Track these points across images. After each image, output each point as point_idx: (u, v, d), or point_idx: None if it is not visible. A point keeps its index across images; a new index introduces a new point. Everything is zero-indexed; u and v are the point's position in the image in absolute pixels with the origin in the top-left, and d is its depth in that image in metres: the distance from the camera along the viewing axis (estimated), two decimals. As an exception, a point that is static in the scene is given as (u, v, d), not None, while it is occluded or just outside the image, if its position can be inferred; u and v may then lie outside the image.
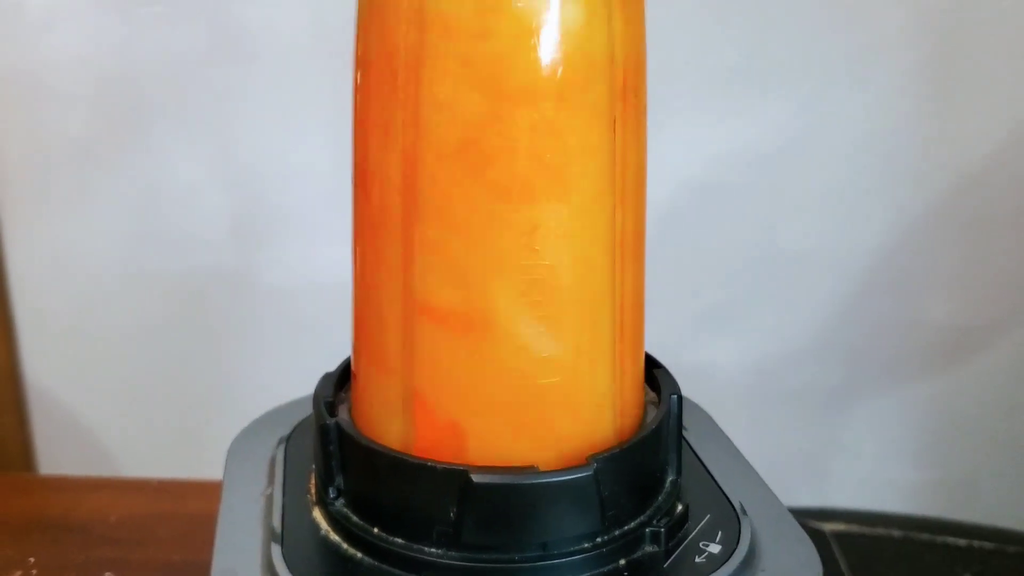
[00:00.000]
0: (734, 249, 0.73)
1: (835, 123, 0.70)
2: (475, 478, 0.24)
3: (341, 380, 0.30)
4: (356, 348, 0.28)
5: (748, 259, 0.73)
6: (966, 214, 0.72)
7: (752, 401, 0.77)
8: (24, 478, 0.68)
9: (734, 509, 0.28)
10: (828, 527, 0.72)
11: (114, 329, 0.74)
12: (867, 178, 0.71)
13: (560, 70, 0.23)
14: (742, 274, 0.74)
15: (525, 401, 0.25)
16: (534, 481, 0.25)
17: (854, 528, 0.73)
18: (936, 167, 0.70)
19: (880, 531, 0.71)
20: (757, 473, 0.31)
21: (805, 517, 0.75)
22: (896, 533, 0.71)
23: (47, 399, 0.76)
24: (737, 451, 0.32)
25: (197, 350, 0.75)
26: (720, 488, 0.29)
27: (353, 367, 0.29)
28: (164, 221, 0.72)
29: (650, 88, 0.68)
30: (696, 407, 0.35)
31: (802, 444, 0.78)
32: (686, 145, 0.70)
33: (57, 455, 0.76)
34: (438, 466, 0.25)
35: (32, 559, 0.43)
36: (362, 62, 0.25)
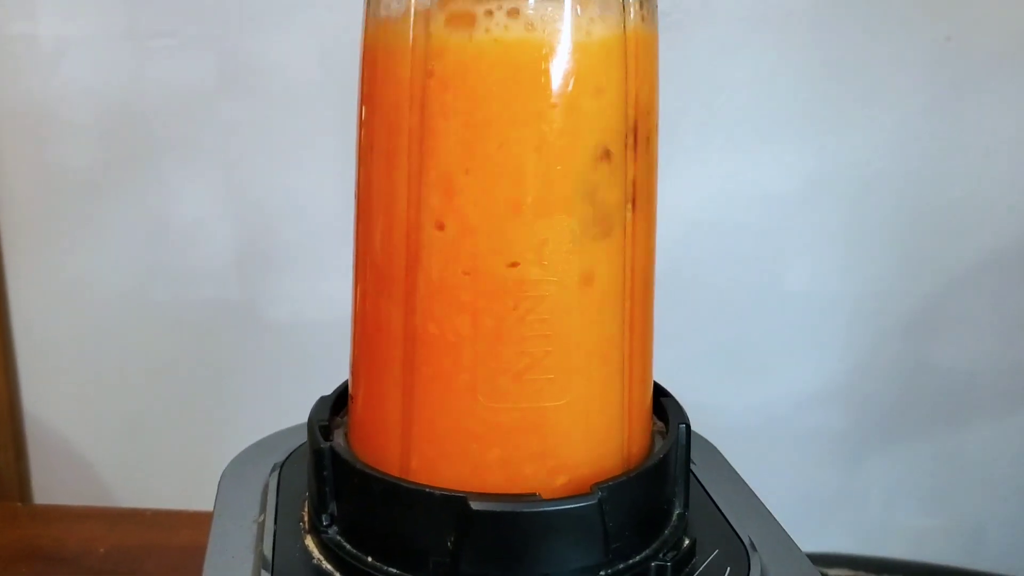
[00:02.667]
0: (742, 290, 0.73)
1: (843, 164, 0.69)
2: (474, 505, 0.23)
3: (337, 404, 0.29)
4: (354, 370, 0.27)
5: (755, 300, 0.73)
6: (974, 257, 0.71)
7: (758, 443, 0.75)
8: (16, 508, 0.67)
9: (743, 544, 0.27)
10: (834, 572, 0.71)
11: (116, 362, 0.74)
12: (875, 220, 0.71)
13: (572, 84, 0.23)
14: (749, 315, 0.73)
15: (529, 425, 0.24)
16: (536, 510, 0.24)
17: (860, 574, 0.72)
18: (944, 210, 0.70)
19: (885, 578, 0.70)
20: (767, 508, 0.30)
21: (810, 562, 0.74)
22: (902, 580, 0.70)
23: (46, 431, 0.75)
24: (746, 485, 0.31)
25: (199, 383, 0.74)
26: (728, 522, 0.28)
27: (351, 390, 0.28)
28: (169, 254, 0.72)
29: (660, 128, 0.68)
30: (703, 440, 0.34)
31: (808, 488, 0.77)
32: (695, 184, 0.70)
33: (54, 487, 0.76)
34: (435, 492, 0.24)
35: (21, 589, 0.42)
36: (367, 88, 0.25)
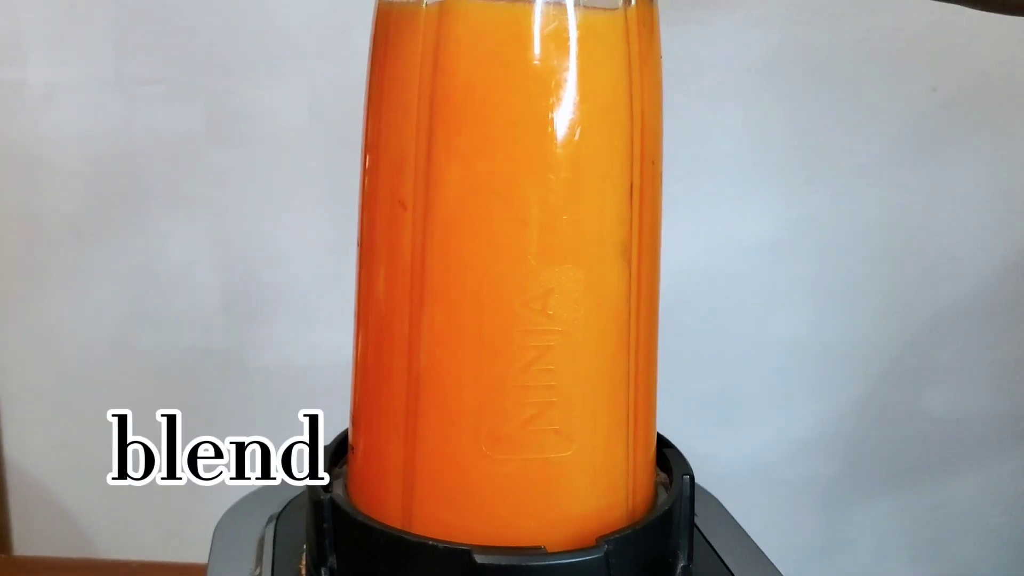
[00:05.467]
0: (729, 338, 0.73)
1: (830, 213, 0.70)
2: (479, 558, 0.23)
3: (336, 454, 0.29)
4: (355, 419, 0.27)
5: (743, 348, 0.73)
6: (961, 305, 0.72)
7: (748, 492, 0.75)
8: (-1, 559, 0.66)
9: (748, 597, 0.27)
10: (827, 624, 0.70)
11: (100, 409, 0.73)
12: (862, 268, 0.71)
13: (579, 133, 0.23)
14: (737, 364, 0.73)
15: (534, 476, 0.24)
16: (542, 563, 0.23)
17: (853, 625, 0.71)
18: (930, 258, 0.71)
19: (878, 629, 0.69)
20: (770, 560, 0.30)
21: (810, 614, 0.73)
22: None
23: (27, 480, 0.74)
24: (748, 537, 0.31)
25: (184, 431, 0.73)
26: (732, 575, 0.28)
27: (351, 439, 0.27)
28: (155, 300, 0.71)
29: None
30: (705, 492, 0.34)
31: (799, 537, 0.77)
32: (682, 232, 0.70)
33: (35, 538, 0.74)
34: (439, 545, 0.24)
35: (1, 646, 0.41)
36: (372, 138, 0.25)
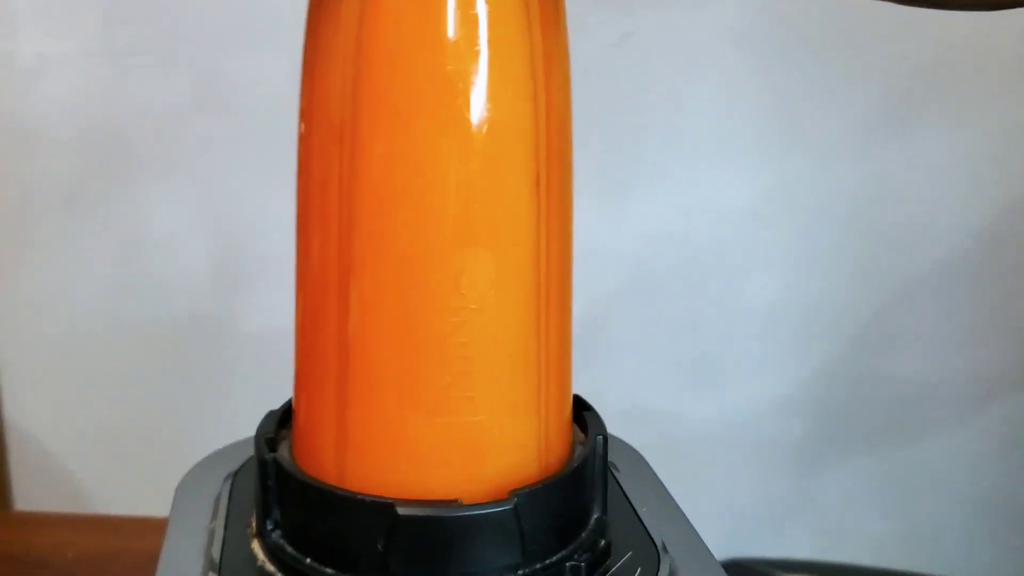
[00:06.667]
0: (702, 302, 0.75)
1: (800, 181, 0.72)
2: (401, 511, 0.26)
3: (284, 418, 0.31)
4: (296, 384, 0.30)
5: (716, 312, 0.75)
6: (927, 271, 0.73)
7: (718, 451, 0.78)
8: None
9: (656, 547, 0.30)
10: (793, 578, 0.73)
11: (93, 373, 0.75)
12: (830, 235, 0.73)
13: (485, 130, 0.25)
14: (710, 327, 0.75)
15: (452, 437, 0.27)
16: (457, 514, 0.26)
17: (819, 579, 0.73)
18: (898, 225, 0.72)
19: (844, 582, 0.72)
20: (684, 514, 0.32)
21: (770, 567, 0.76)
22: (861, 584, 0.71)
23: (25, 439, 0.76)
24: (666, 492, 0.33)
25: (172, 394, 0.76)
26: (644, 527, 0.31)
27: (294, 404, 0.30)
28: (144, 267, 0.73)
29: (624, 145, 0.70)
30: (630, 449, 0.36)
31: (767, 494, 0.79)
32: (657, 199, 0.72)
33: (34, 493, 0.77)
34: (366, 499, 0.26)
35: (-8, 591, 0.44)
36: (305, 121, 0.27)
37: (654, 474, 0.34)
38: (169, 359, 0.75)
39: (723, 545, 0.80)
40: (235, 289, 0.74)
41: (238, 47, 0.69)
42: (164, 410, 0.76)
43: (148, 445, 0.76)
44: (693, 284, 0.74)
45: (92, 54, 0.69)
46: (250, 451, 0.35)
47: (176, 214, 0.72)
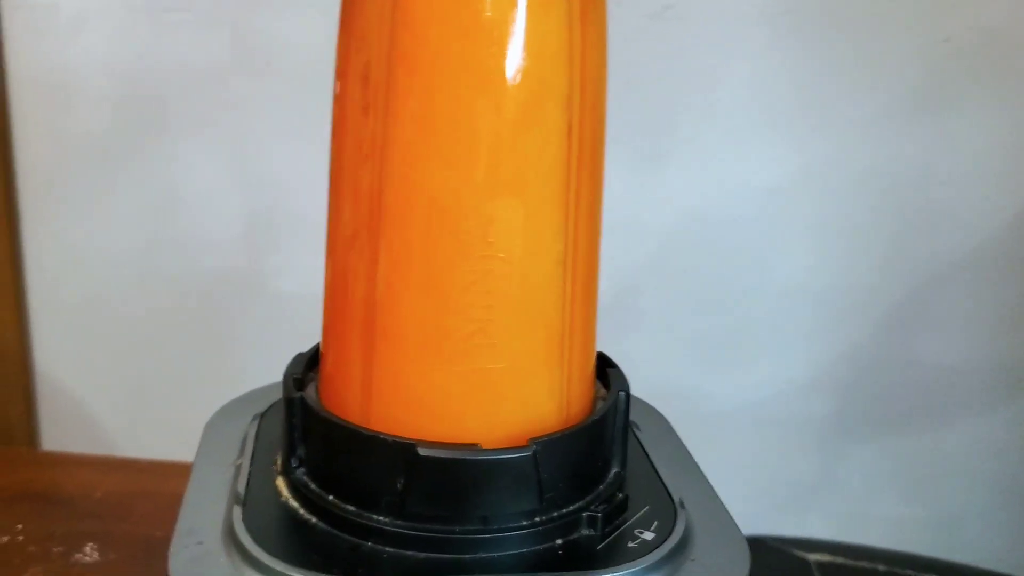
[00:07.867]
0: (732, 280, 0.74)
1: (835, 160, 0.71)
2: (421, 451, 0.26)
3: (312, 360, 0.32)
4: (325, 328, 0.30)
5: (745, 290, 0.75)
6: (959, 254, 0.73)
7: (742, 429, 0.78)
8: (19, 452, 0.70)
9: (673, 503, 0.30)
10: (812, 557, 0.73)
11: (124, 323, 0.77)
12: (864, 215, 0.72)
13: (519, 79, 0.25)
14: (739, 305, 0.75)
15: (473, 384, 0.27)
16: (475, 457, 0.26)
17: (839, 559, 0.73)
18: (932, 207, 0.72)
19: (865, 564, 0.72)
20: (703, 474, 0.32)
21: (789, 546, 0.76)
22: (881, 567, 0.71)
23: (54, 385, 0.78)
24: (688, 453, 0.34)
25: (203, 347, 0.77)
26: (663, 483, 0.31)
27: (322, 347, 0.30)
28: (179, 223, 0.74)
29: (655, 121, 0.69)
30: (654, 411, 0.37)
31: (790, 474, 0.79)
32: (691, 176, 0.72)
33: (61, 437, 0.79)
34: (388, 439, 0.27)
35: (20, 526, 0.45)
36: (340, 76, 0.27)
37: (676, 435, 0.35)
38: (198, 313, 0.76)
39: (741, 522, 0.80)
40: (266, 247, 0.74)
41: (277, 5, 0.70)
42: (191, 363, 0.77)
43: (173, 396, 0.77)
44: (721, 260, 0.74)
45: (131, 9, 0.70)
46: (278, 395, 0.36)
47: (211, 170, 0.73)
